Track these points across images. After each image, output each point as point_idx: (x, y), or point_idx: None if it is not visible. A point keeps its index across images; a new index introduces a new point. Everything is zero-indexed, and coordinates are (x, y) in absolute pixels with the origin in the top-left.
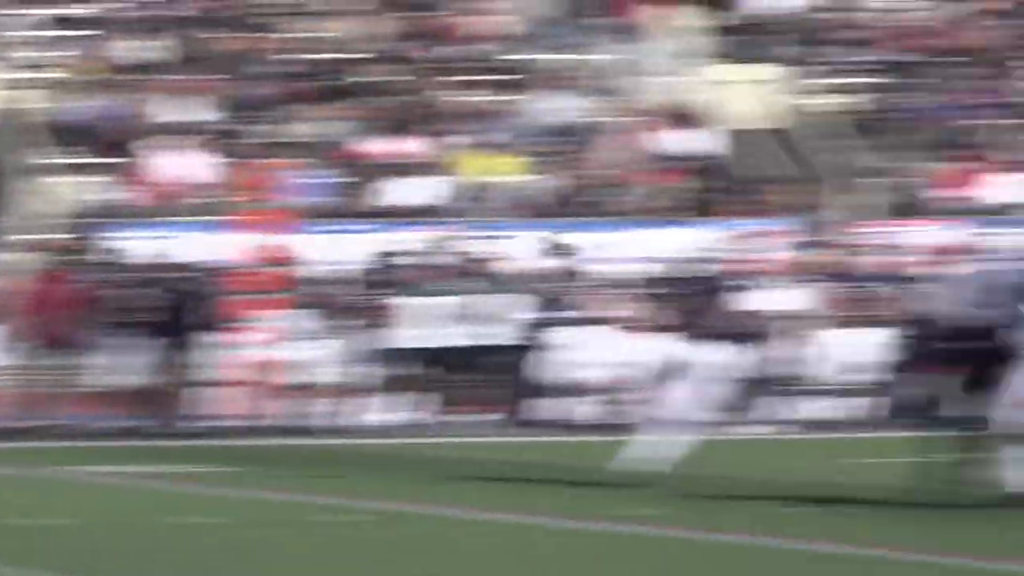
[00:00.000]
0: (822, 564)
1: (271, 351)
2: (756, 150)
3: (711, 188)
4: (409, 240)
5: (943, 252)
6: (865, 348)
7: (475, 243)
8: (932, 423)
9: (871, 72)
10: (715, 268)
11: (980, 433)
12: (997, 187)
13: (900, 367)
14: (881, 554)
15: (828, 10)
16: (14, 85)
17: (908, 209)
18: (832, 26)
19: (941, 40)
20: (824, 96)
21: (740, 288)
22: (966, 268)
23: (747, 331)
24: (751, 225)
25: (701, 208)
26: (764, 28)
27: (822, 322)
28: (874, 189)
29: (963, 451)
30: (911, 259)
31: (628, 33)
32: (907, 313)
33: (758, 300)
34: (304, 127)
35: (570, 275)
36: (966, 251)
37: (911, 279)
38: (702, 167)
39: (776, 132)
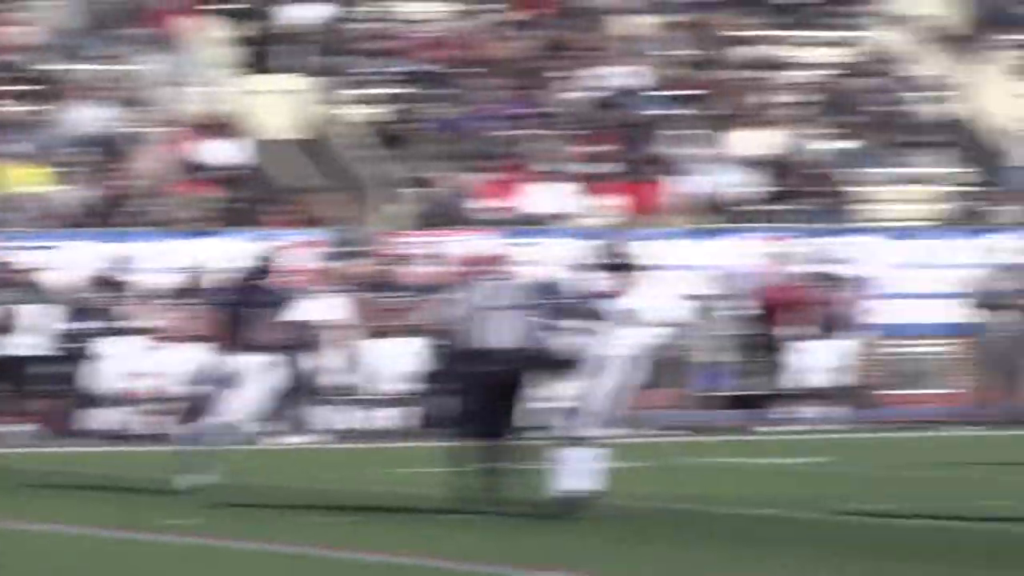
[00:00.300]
0: (359, 572)
1: None
2: (288, 160)
3: (244, 199)
4: None
5: (475, 262)
6: (403, 358)
7: (14, 253)
8: (463, 433)
9: (400, 83)
10: (253, 278)
11: (510, 443)
12: (533, 197)
13: (433, 377)
14: (418, 562)
15: (357, 21)
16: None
17: (445, 219)
18: (361, 37)
19: (468, 51)
20: (354, 106)
21: (280, 298)
22: (490, 280)
23: (287, 341)
24: (286, 235)
25: (234, 218)
26: (294, 39)
27: (360, 332)
28: (409, 199)
29: (492, 460)
30: (447, 269)
31: (160, 44)
32: (437, 324)
33: (298, 310)
34: None
35: (112, 285)
36: (499, 262)
37: (442, 289)
38: (235, 177)
39: (308, 142)
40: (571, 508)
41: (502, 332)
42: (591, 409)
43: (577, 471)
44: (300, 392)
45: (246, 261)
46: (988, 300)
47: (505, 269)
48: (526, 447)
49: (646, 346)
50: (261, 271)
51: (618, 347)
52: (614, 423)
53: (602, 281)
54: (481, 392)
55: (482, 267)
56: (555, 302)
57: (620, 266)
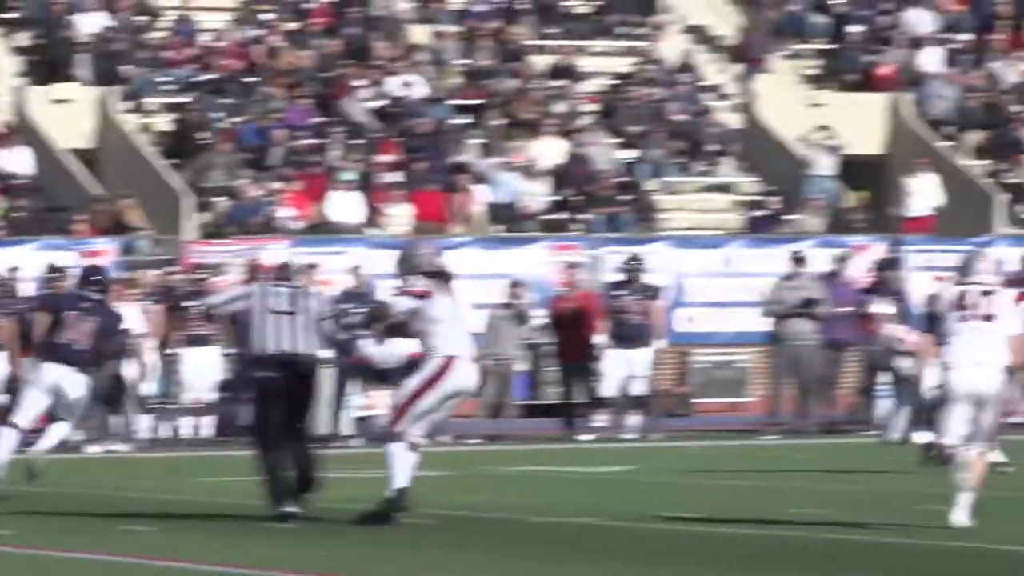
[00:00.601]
0: None
1: None
2: (71, 170)
3: (27, 208)
4: None
5: (264, 269)
6: (212, 367)
7: None
8: (254, 442)
9: (192, 91)
10: (82, 285)
11: (301, 450)
12: (333, 206)
13: (229, 386)
14: (225, 570)
15: (137, 30)
16: None
17: (246, 228)
18: (151, 46)
19: (263, 60)
20: (145, 116)
21: (98, 307)
22: (278, 287)
23: (92, 349)
24: (82, 245)
25: (22, 227)
26: (72, 48)
27: (168, 341)
28: (208, 208)
29: (282, 468)
30: (242, 277)
31: None
32: (230, 332)
33: (112, 319)
34: None
35: None
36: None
37: (233, 297)
38: (16, 187)
39: (90, 152)
40: (387, 514)
41: (290, 339)
42: (405, 414)
43: (394, 476)
44: (110, 400)
45: (40, 270)
46: (783, 309)
47: (296, 276)
48: (318, 455)
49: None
50: (87, 279)
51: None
52: (431, 431)
53: (412, 288)
54: (267, 399)
55: (271, 273)
56: (362, 309)
57: (433, 274)
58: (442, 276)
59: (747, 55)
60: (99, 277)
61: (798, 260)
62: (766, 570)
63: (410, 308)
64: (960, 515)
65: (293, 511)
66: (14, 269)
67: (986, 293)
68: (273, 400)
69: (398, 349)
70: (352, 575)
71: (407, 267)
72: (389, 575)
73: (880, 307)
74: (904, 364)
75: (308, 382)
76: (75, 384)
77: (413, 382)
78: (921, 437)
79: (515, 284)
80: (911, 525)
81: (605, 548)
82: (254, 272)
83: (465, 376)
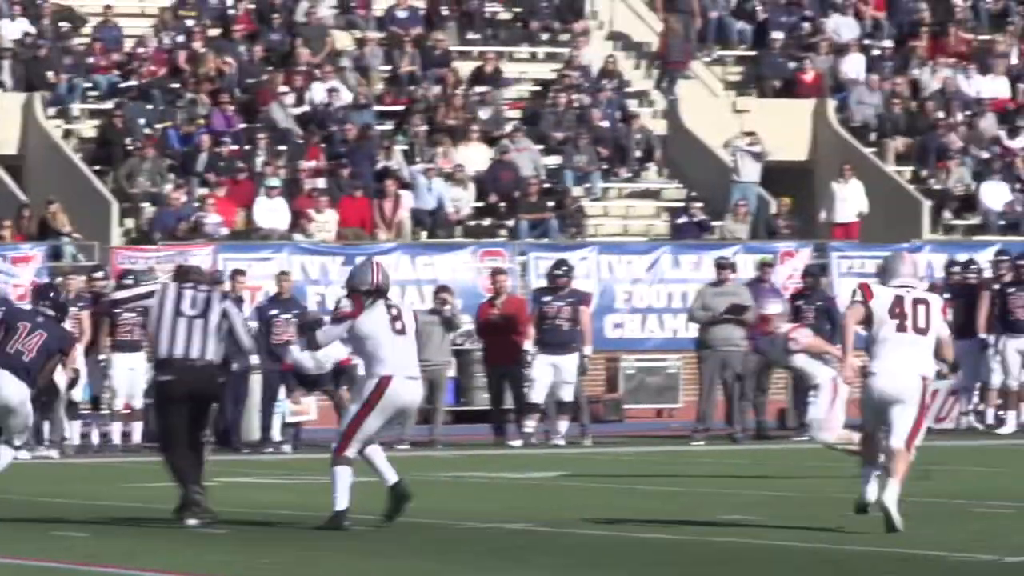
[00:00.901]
0: None
1: None
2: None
3: None
4: None
5: (178, 273)
6: (135, 373)
7: None
8: (163, 447)
9: (115, 97)
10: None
11: (206, 456)
12: (257, 212)
13: (148, 391)
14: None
15: (60, 36)
16: None
17: (171, 234)
18: (65, 52)
19: (175, 66)
20: (61, 121)
21: (40, 320)
22: (190, 291)
23: (36, 363)
24: (2, 251)
25: None
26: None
27: (98, 346)
28: (133, 214)
29: (191, 474)
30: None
31: None
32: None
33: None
34: None
35: None
36: (205, 273)
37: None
38: None
39: (14, 158)
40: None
41: (198, 344)
42: (350, 439)
43: (336, 498)
44: (42, 407)
45: None
46: (710, 316)
47: (207, 280)
48: (204, 462)
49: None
50: (42, 295)
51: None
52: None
53: (341, 310)
54: (171, 404)
55: (184, 277)
56: (287, 316)
57: (368, 292)
58: (378, 292)
59: (669, 60)
60: (53, 295)
61: (724, 267)
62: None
63: (342, 330)
64: (871, 492)
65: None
66: None
67: (919, 302)
68: (176, 405)
69: (327, 355)
70: None
71: (347, 285)
72: None
73: (773, 307)
74: (799, 362)
75: (212, 389)
76: (17, 392)
77: (354, 406)
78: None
79: (441, 290)
80: (840, 530)
81: (535, 554)
82: (168, 276)
83: (404, 393)
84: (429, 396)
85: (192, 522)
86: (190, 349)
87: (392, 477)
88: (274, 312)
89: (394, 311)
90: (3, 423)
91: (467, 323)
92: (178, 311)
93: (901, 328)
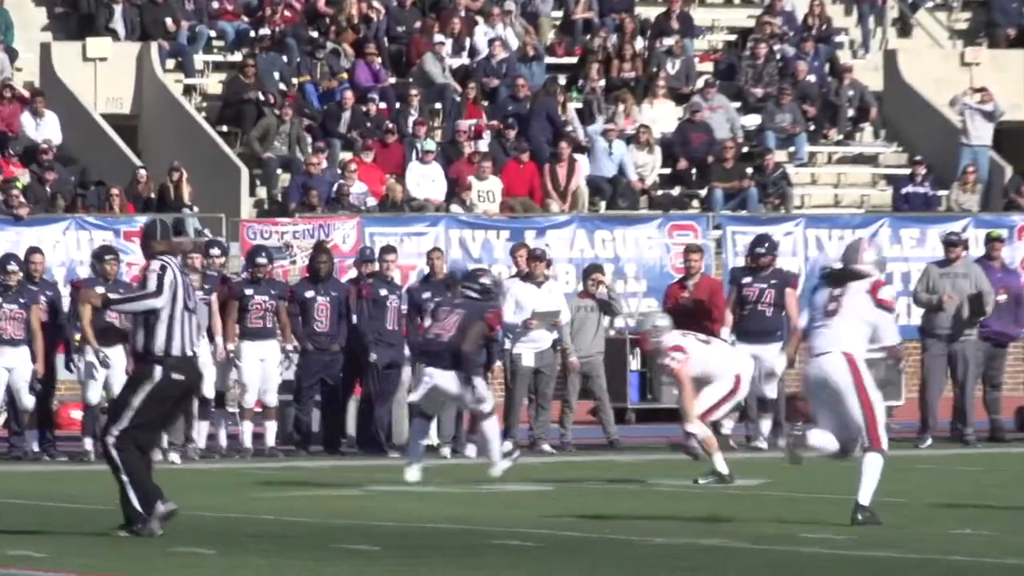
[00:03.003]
0: None
1: None
2: (106, 139)
3: (55, 182)
4: None
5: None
6: (269, 364)
7: None
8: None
9: (234, 48)
10: None
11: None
12: (408, 179)
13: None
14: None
15: None
16: None
17: (305, 204)
18: None
19: (314, 11)
20: (181, 76)
21: None
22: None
23: None
24: (114, 224)
25: (44, 205)
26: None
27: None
28: (256, 182)
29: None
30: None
31: None
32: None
33: None
34: None
35: None
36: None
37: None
38: (43, 157)
39: (127, 117)
40: None
41: (196, 338)
42: None
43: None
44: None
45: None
46: (932, 299)
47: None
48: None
49: None
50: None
51: None
52: None
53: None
54: (177, 403)
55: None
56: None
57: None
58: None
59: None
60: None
61: (953, 244)
62: None
63: None
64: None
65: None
66: (35, 250)
67: (842, 280)
68: (178, 405)
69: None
70: None
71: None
72: None
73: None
74: None
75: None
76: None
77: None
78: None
79: (593, 269)
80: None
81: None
82: (320, 256)
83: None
84: (584, 391)
85: (160, 531)
86: (195, 344)
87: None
88: (426, 295)
89: None
90: None
91: (655, 309)
92: (187, 302)
93: (829, 312)
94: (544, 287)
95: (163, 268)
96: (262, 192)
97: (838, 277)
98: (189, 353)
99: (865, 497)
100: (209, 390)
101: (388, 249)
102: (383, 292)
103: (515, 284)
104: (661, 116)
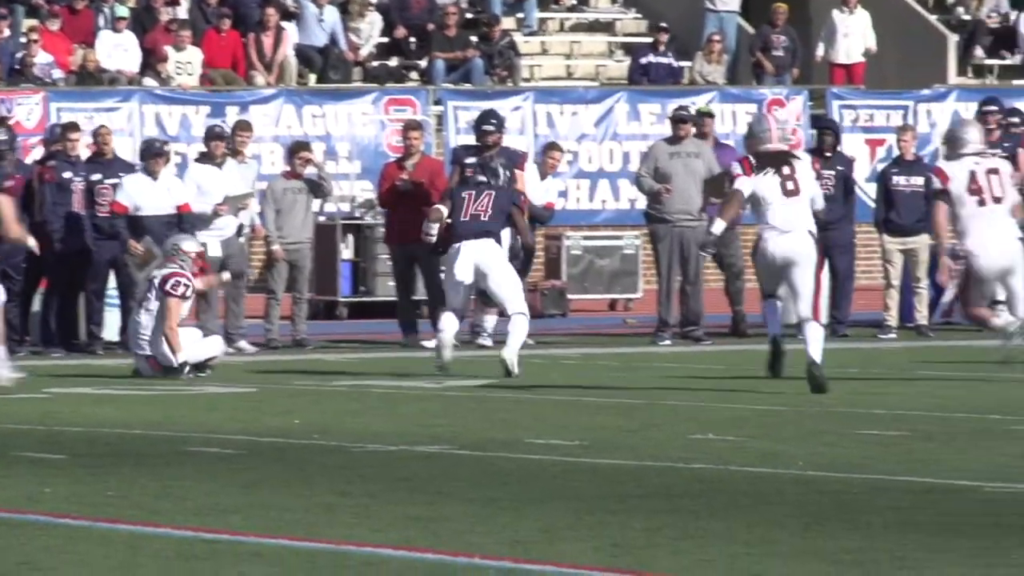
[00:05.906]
0: None
1: None
2: None
3: None
4: None
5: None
6: None
7: None
8: None
9: None
10: None
11: None
12: (100, 49)
13: None
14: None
15: None
16: None
17: None
18: None
19: None
20: None
21: None
22: None
23: None
24: None
25: None
26: None
27: None
28: None
29: None
30: None
31: None
32: None
33: None
34: None
35: None
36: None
37: None
38: None
39: None
40: None
41: None
42: None
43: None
44: None
45: None
46: (656, 186)
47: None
48: None
49: None
50: None
51: None
52: None
53: None
54: None
55: None
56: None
57: None
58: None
59: None
60: None
61: (681, 120)
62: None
63: None
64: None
65: None
66: None
67: (783, 159)
68: None
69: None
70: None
71: None
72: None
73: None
74: None
75: None
76: None
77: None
78: None
79: (299, 147)
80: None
81: (455, 483)
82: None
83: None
84: (290, 283)
85: None
86: None
87: None
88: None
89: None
90: None
91: (367, 191)
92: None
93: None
94: (225, 168)
95: None
96: None
97: (778, 159)
98: None
99: (816, 356)
100: None
101: (71, 126)
102: (67, 174)
103: (192, 167)
104: None
